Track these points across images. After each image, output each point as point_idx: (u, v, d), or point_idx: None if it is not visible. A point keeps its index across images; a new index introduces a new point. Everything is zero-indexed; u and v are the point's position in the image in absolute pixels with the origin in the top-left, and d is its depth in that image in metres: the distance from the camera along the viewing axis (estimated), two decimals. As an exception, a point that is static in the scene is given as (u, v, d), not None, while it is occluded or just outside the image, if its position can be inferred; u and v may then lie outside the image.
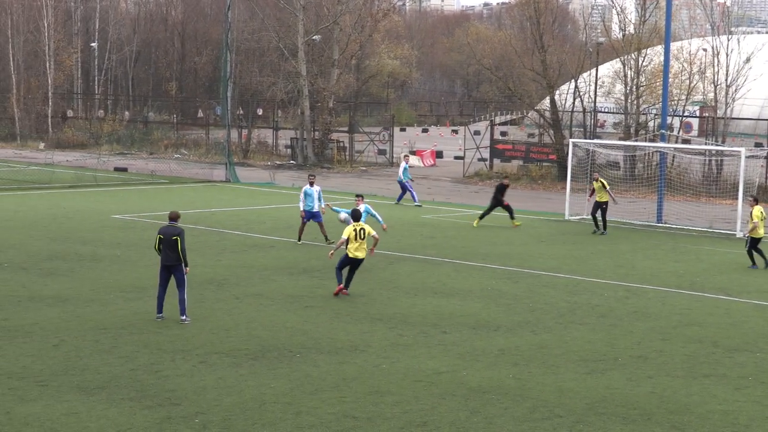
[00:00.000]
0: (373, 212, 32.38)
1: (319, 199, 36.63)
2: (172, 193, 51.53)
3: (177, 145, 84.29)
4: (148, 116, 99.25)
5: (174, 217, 24.26)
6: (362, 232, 27.26)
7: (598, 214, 41.72)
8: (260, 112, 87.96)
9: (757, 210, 34.29)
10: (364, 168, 72.44)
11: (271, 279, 29.48)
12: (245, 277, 29.69)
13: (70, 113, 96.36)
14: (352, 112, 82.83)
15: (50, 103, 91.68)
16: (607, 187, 42.16)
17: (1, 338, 21.81)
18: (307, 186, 36.86)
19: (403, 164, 51.75)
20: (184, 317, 23.86)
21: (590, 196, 43.71)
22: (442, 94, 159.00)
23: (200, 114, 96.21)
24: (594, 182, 42.78)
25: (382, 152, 77.33)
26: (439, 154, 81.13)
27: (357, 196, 35.03)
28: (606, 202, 41.83)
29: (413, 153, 78.88)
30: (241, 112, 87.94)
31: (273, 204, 48.14)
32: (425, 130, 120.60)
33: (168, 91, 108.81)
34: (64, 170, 63.21)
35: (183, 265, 23.75)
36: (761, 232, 34.18)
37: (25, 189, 52.57)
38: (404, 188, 51.06)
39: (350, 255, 27.22)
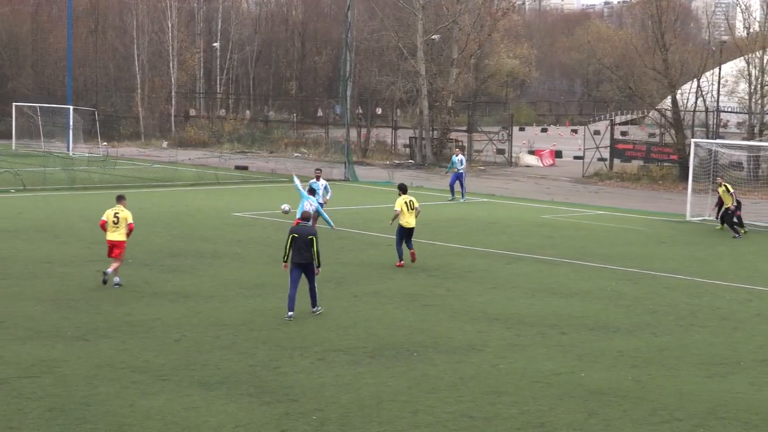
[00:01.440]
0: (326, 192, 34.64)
1: (327, 191, 37.92)
2: (292, 192, 51.85)
3: (297, 144, 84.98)
4: (268, 115, 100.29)
5: (306, 218, 24.66)
6: (411, 203, 31.53)
7: (733, 219, 40.57)
8: (379, 111, 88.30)
9: None
10: (482, 167, 72.23)
11: (388, 277, 29.54)
12: (363, 275, 29.79)
13: (192, 112, 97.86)
14: (470, 112, 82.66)
15: (173, 103, 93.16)
16: (731, 190, 41.18)
17: (125, 333, 22.19)
18: (314, 180, 37.48)
19: (453, 157, 51.94)
20: (315, 308, 24.44)
21: (716, 205, 42.62)
22: (562, 94, 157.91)
23: (320, 113, 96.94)
24: (719, 188, 41.75)
25: (500, 152, 77.05)
26: (558, 154, 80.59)
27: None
28: (735, 206, 40.83)
29: (532, 153, 78.51)
30: (361, 111, 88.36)
31: (391, 203, 48.16)
32: (544, 130, 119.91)
33: (288, 91, 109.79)
34: (187, 168, 64.18)
35: (315, 265, 24.02)
36: None
37: (149, 186, 53.46)
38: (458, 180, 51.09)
39: (405, 226, 31.28)
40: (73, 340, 21.49)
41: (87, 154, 71.84)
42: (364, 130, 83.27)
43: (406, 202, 31.49)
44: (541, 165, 75.50)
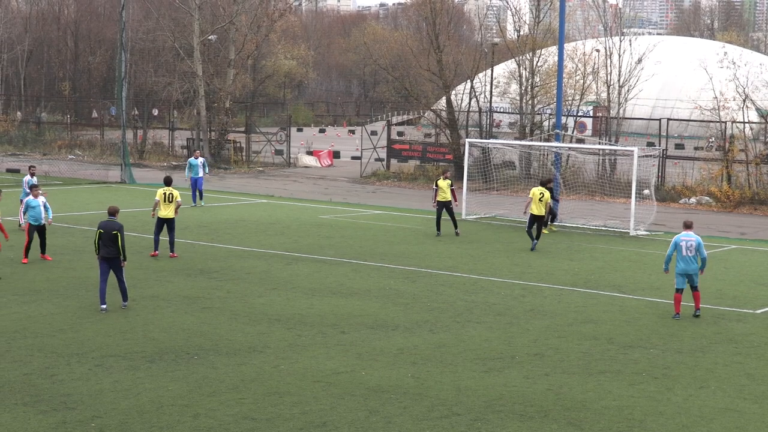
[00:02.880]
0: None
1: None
2: (67, 195, 50.80)
3: (71, 146, 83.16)
4: (41, 117, 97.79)
5: (113, 212, 25.26)
6: (171, 195, 33.18)
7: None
8: (156, 112, 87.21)
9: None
10: (261, 168, 72.18)
11: (167, 280, 29.24)
12: (141, 278, 29.38)
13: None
14: (248, 113, 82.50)
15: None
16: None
17: None
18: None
19: (191, 160, 49.90)
20: (125, 303, 25.38)
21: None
22: (339, 95, 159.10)
23: (95, 114, 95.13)
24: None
25: (279, 152, 77.12)
26: (336, 155, 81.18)
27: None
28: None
29: (310, 153, 78.82)
30: (137, 112, 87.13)
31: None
32: (322, 131, 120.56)
33: (61, 92, 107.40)
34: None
35: (121, 258, 24.94)
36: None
37: None
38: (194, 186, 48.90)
39: (162, 217, 33.04)
40: None
41: None
42: (140, 132, 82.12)
43: (164, 194, 33.26)
44: (320, 165, 75.91)
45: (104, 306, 24.94)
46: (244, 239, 37.69)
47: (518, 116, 67.27)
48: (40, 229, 31.84)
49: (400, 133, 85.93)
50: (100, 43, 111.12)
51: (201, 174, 48.55)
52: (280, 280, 29.78)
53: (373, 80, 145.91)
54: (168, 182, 34.17)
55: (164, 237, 33.65)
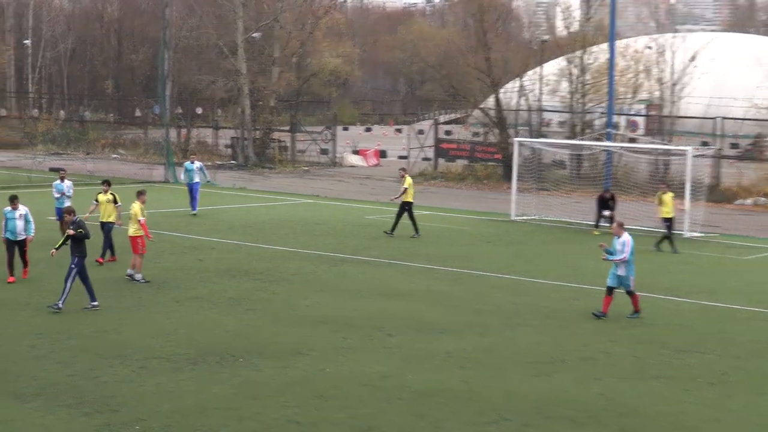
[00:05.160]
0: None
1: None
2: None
3: (114, 145, 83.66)
4: (84, 115, 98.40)
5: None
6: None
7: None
8: (200, 111, 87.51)
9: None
10: (306, 168, 72.29)
11: (211, 281, 29.33)
12: (184, 279, 29.51)
13: (2, 112, 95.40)
14: (293, 111, 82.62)
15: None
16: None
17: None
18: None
19: (187, 164, 46.74)
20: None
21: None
22: (385, 93, 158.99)
23: (138, 113, 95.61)
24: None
25: (324, 152, 77.20)
26: (382, 154, 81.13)
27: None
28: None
29: (356, 152, 78.83)
30: (180, 111, 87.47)
31: (213, 205, 47.89)
32: (368, 129, 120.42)
33: (104, 90, 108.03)
34: (-3, 171, 62.64)
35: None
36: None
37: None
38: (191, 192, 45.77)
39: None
40: None
41: None
42: (184, 131, 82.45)
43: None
44: (366, 165, 75.91)
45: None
46: (289, 240, 37.75)
47: (568, 115, 66.95)
48: (20, 244, 28.86)
49: (447, 132, 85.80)
50: (143, 41, 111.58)
51: (197, 179, 45.41)
52: (326, 282, 29.80)
53: (420, 78, 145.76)
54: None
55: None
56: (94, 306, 25.19)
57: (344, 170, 72.30)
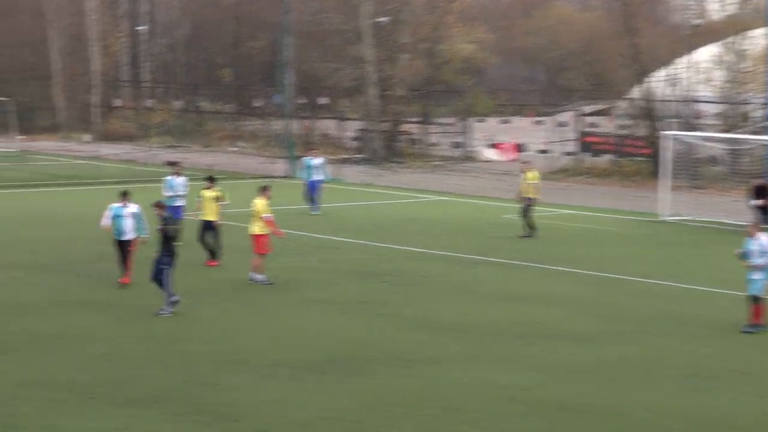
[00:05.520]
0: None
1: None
2: (229, 190, 51.63)
3: (233, 137, 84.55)
4: (200, 106, 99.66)
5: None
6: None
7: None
8: (324, 101, 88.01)
9: None
10: (437, 162, 72.20)
11: (336, 283, 29.56)
12: (309, 280, 29.78)
13: (117, 102, 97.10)
14: (424, 101, 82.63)
15: (95, 92, 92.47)
16: None
17: (46, 346, 22.06)
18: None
19: (308, 160, 46.53)
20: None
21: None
22: (522, 82, 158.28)
23: (257, 103, 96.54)
24: None
25: (457, 145, 77.10)
26: (521, 148, 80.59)
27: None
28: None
29: (492, 146, 78.61)
30: (302, 101, 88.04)
31: (339, 202, 48.15)
32: (505, 121, 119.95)
33: (222, 79, 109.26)
34: (112, 164, 63.80)
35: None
36: None
37: (70, 185, 53.10)
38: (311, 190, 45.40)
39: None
40: (-13, 355, 21.37)
41: (1, 149, 71.29)
42: (307, 122, 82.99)
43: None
44: (502, 159, 75.62)
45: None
46: (419, 240, 37.81)
47: (723, 106, 65.89)
48: (126, 244, 28.78)
49: (591, 125, 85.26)
50: (262, 27, 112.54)
51: (319, 177, 44.72)
52: (459, 285, 29.81)
53: (560, 66, 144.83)
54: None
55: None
56: (168, 310, 25.21)
57: (479, 165, 72.05)
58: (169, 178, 36.61)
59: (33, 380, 19.60)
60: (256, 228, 29.26)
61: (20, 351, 21.72)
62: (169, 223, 25.42)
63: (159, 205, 26.23)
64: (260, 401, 18.71)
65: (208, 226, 31.89)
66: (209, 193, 32.14)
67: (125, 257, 28.68)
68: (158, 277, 25.20)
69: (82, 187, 52.24)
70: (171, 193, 35.71)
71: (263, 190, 29.76)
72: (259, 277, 29.09)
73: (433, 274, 31.31)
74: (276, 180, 55.30)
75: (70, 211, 42.87)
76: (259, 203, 29.24)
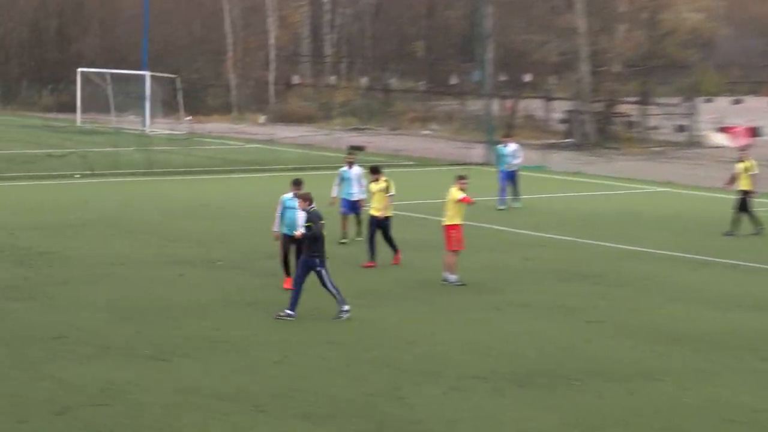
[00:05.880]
0: None
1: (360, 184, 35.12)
2: (420, 178, 51.90)
3: (425, 119, 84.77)
4: (389, 83, 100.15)
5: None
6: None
7: None
8: (528, 78, 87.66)
9: None
10: (658, 148, 71.37)
11: (540, 285, 29.36)
12: (507, 281, 29.63)
13: (295, 80, 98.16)
14: (643, 79, 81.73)
15: (272, 68, 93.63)
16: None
17: (211, 352, 22.31)
18: (345, 167, 35.48)
19: (501, 147, 46.17)
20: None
21: None
22: (758, 55, 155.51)
23: (453, 81, 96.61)
24: None
25: (681, 129, 76.11)
26: (756, 132, 79.21)
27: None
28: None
29: (722, 130, 77.30)
30: (503, 78, 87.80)
31: (545, 193, 47.92)
32: (737, 101, 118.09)
33: (413, 53, 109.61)
34: (288, 149, 64.53)
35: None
36: None
37: (244, 171, 53.87)
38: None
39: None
40: (148, 359, 21.69)
41: (166, 131, 72.75)
42: (508, 102, 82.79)
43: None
44: (734, 145, 74.33)
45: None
46: (637, 236, 37.38)
47: None
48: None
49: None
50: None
51: (514, 165, 43.61)
52: (683, 289, 29.37)
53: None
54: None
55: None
56: (287, 314, 25.18)
57: (706, 152, 70.94)
58: (343, 169, 35.44)
59: (196, 388, 19.81)
60: (454, 219, 29.11)
61: (186, 356, 21.97)
62: (313, 219, 25.11)
63: (304, 198, 25.87)
64: (451, 418, 18.61)
65: (379, 224, 31.66)
66: (377, 186, 31.95)
67: (297, 255, 28.39)
68: (322, 284, 25.21)
69: (256, 174, 52.82)
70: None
71: (459, 179, 29.57)
72: (452, 277, 28.99)
73: (652, 276, 30.90)
74: (473, 167, 55.24)
75: (242, 201, 43.34)
76: (455, 192, 29.10)
